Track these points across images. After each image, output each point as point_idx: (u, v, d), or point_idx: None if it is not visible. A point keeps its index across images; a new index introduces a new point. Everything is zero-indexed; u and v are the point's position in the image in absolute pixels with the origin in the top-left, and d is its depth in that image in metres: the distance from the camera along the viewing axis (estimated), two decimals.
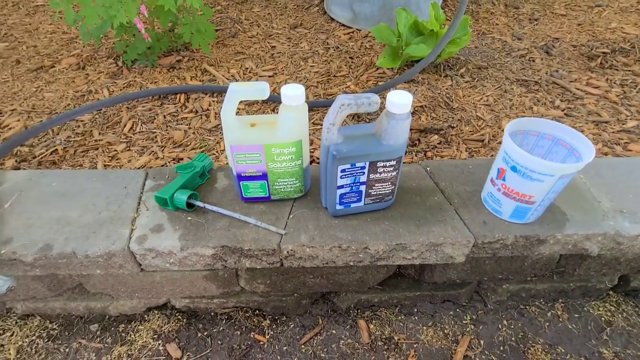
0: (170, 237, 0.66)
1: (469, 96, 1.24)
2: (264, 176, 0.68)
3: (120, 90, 1.25)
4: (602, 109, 1.17)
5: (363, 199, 0.68)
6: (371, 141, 0.61)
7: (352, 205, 0.69)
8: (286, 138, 0.63)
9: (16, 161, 0.96)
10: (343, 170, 0.62)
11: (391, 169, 0.64)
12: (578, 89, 1.26)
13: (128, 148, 1.00)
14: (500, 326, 0.83)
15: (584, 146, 0.62)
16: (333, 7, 1.74)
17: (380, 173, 0.64)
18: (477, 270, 0.79)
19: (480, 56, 1.51)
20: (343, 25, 1.73)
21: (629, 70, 1.38)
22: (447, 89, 1.27)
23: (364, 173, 0.63)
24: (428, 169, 0.83)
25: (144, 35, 1.25)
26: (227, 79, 1.31)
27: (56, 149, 0.99)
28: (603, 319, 0.84)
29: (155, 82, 1.29)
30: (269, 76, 1.35)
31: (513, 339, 0.80)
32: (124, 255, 0.65)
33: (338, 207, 0.68)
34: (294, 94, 0.59)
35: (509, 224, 0.69)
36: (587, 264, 0.79)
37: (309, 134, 0.90)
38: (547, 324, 0.83)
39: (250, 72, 1.37)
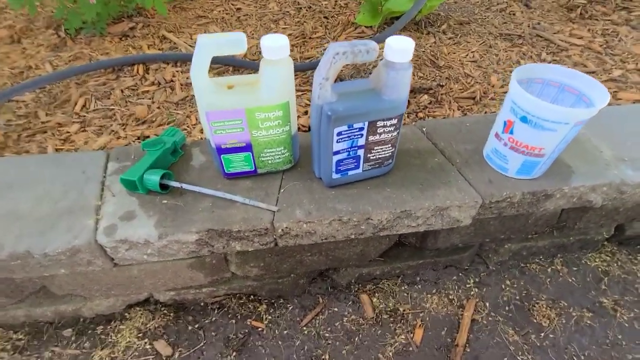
0: (144, 225, 0.57)
1: (454, 53, 1.18)
2: (248, 147, 0.59)
3: (66, 64, 1.09)
4: (587, 60, 1.14)
5: (361, 164, 0.61)
6: (369, 97, 0.54)
7: (350, 172, 0.62)
8: (271, 100, 0.54)
9: None
10: (339, 133, 0.54)
11: (392, 128, 0.57)
12: (562, 41, 1.23)
13: (83, 129, 0.87)
14: (503, 286, 0.81)
15: (595, 90, 0.58)
16: None
17: (380, 134, 0.57)
18: (481, 232, 0.76)
19: (461, 11, 1.44)
20: None
21: (609, 20, 1.36)
22: (430, 46, 1.20)
23: (362, 135, 0.56)
24: (424, 129, 0.77)
25: (91, 1, 1.07)
26: (190, 46, 1.17)
27: None
28: (600, 269, 0.84)
29: (107, 53, 1.13)
30: None
31: (517, 297, 0.79)
32: (92, 249, 0.56)
33: (334, 175, 0.61)
34: (277, 44, 0.50)
35: (515, 181, 0.65)
36: (587, 216, 0.77)
37: None
38: (549, 279, 0.82)
39: None
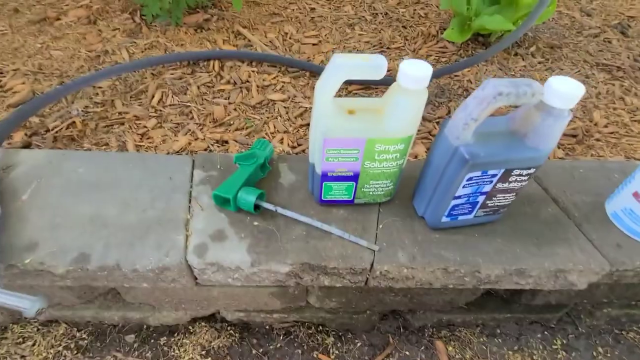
0: (236, 249, 0.53)
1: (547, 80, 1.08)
2: (354, 177, 0.54)
3: (142, 52, 1.07)
4: None
5: (476, 210, 0.55)
6: (512, 142, 0.47)
7: (460, 217, 0.56)
8: (397, 132, 0.48)
9: (26, 134, 0.80)
10: (470, 179, 0.48)
11: (526, 177, 0.50)
12: None
13: (160, 124, 0.84)
14: (594, 353, 0.73)
15: None
16: None
17: (511, 182, 0.50)
18: (584, 294, 0.67)
19: (549, 33, 1.33)
20: None
21: None
22: (521, 70, 1.11)
23: (491, 182, 0.49)
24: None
25: None
26: (265, 45, 1.13)
27: (74, 122, 0.83)
28: None
29: (182, 44, 1.11)
30: (313, 44, 1.16)
31: None
32: (180, 269, 0.52)
33: (444, 219, 0.55)
34: (419, 74, 0.44)
35: None
36: None
37: None
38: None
39: (290, 38, 1.18)
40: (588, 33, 1.35)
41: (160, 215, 0.56)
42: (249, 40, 1.14)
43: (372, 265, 0.53)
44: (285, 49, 1.13)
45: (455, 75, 1.06)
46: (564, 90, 0.42)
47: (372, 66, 0.43)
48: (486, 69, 1.09)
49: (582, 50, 1.24)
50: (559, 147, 0.84)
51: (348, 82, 0.99)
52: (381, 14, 1.34)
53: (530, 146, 0.46)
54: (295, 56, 1.10)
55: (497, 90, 0.41)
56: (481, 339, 0.73)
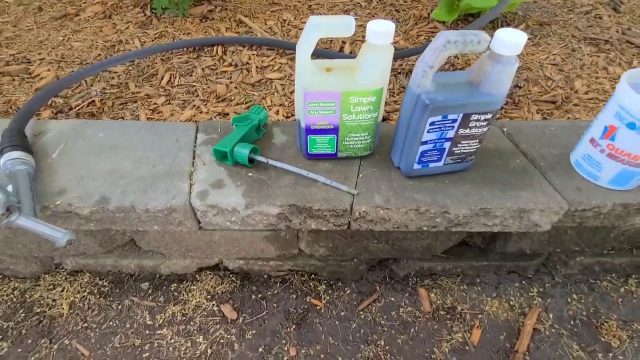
0: (233, 194, 0.61)
1: (534, 54, 1.12)
2: (335, 130, 0.61)
3: (152, 41, 1.17)
4: None
5: (444, 157, 0.61)
6: (468, 89, 0.54)
7: (431, 164, 0.62)
8: (368, 85, 0.55)
9: (52, 112, 0.90)
10: (432, 123, 0.55)
11: (484, 123, 0.56)
12: None
13: (168, 101, 0.94)
14: (569, 300, 0.78)
15: None
16: None
17: (472, 128, 0.57)
18: (555, 241, 0.73)
19: (540, 12, 1.37)
20: None
21: None
22: None
23: (453, 127, 0.56)
24: (505, 129, 0.75)
25: None
26: (265, 31, 1.21)
27: (93, 101, 0.93)
28: None
29: (188, 33, 1.20)
30: None
31: (584, 313, 0.76)
32: (185, 210, 0.60)
33: (416, 166, 0.62)
34: (383, 30, 0.51)
35: (606, 191, 0.62)
36: None
37: None
38: (621, 299, 0.78)
39: (289, 25, 1.26)
40: (579, 10, 1.38)
41: (168, 169, 0.65)
42: (250, 28, 1.23)
43: (351, 206, 0.61)
44: (284, 35, 1.21)
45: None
46: (509, 39, 0.49)
47: (343, 24, 0.51)
48: None
49: (571, 26, 1.27)
50: (537, 112, 0.90)
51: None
52: None
53: (484, 92, 0.53)
54: (293, 41, 1.18)
55: (446, 39, 0.47)
56: (461, 287, 0.79)
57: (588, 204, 0.61)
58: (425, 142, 0.58)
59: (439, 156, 0.61)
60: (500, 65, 0.50)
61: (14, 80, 1.02)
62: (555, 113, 0.90)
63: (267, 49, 1.13)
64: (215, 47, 1.12)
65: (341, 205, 0.60)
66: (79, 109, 0.91)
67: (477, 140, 0.59)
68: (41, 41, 1.17)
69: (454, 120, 0.55)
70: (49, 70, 1.05)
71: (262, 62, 1.08)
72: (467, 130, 0.57)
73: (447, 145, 0.59)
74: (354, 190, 0.62)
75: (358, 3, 1.38)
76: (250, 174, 0.65)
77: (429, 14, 1.30)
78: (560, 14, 1.35)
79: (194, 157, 0.68)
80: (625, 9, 1.39)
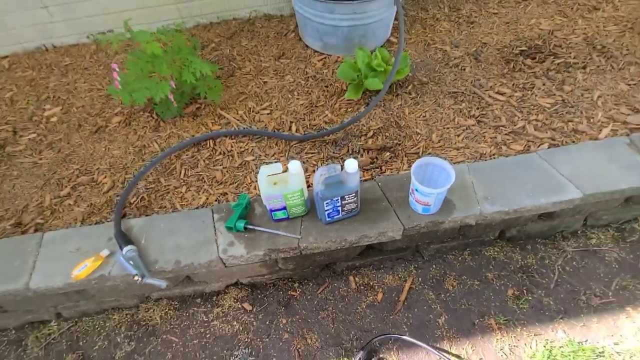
0: (239, 248, 1.22)
1: (413, 113, 1.73)
2: (284, 208, 1.23)
3: (165, 141, 1.75)
4: (504, 114, 1.67)
5: (340, 213, 1.23)
6: (339, 185, 1.15)
7: (335, 217, 1.24)
8: (294, 188, 1.17)
9: None
10: (327, 202, 1.16)
11: (353, 196, 1.18)
12: (490, 97, 1.75)
13: (188, 189, 1.53)
14: (431, 269, 1.42)
15: (450, 171, 1.16)
16: (306, 37, 2.16)
17: (347, 200, 1.18)
18: (412, 240, 1.36)
19: (425, 70, 1.97)
20: (316, 51, 2.15)
21: (532, 72, 1.85)
22: (397, 108, 1.76)
23: (338, 201, 1.18)
24: (380, 184, 1.37)
25: (173, 103, 1.71)
26: (237, 120, 1.80)
27: (143, 196, 1.52)
28: (491, 256, 1.43)
29: (187, 131, 1.78)
30: (267, 113, 1.83)
31: (438, 275, 1.40)
32: (217, 260, 1.22)
33: (327, 219, 1.24)
34: (296, 168, 1.12)
35: (421, 216, 1.25)
36: (475, 228, 1.35)
37: (304, 162, 1.43)
38: (458, 264, 1.42)
39: (253, 112, 1.84)
40: (453, 64, 1.98)
41: (204, 240, 1.26)
42: (227, 119, 1.82)
43: (298, 244, 1.23)
44: (251, 120, 1.80)
45: (356, 123, 1.71)
46: (349, 166, 1.10)
47: (275, 168, 1.12)
48: (375, 112, 1.75)
49: (442, 81, 1.88)
50: (407, 162, 1.51)
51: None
52: (311, 77, 2.00)
53: (346, 186, 1.14)
54: (257, 125, 1.77)
55: (320, 173, 1.09)
56: (372, 272, 1.43)
57: (413, 224, 1.23)
58: (327, 209, 1.19)
59: (337, 213, 1.23)
60: (349, 176, 1.12)
61: (86, 188, 1.60)
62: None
63: (242, 137, 1.72)
64: (208, 141, 1.71)
65: (293, 244, 1.22)
66: (136, 204, 1.50)
67: (353, 203, 1.21)
68: (91, 154, 1.75)
69: (337, 199, 1.17)
70: (105, 177, 1.63)
71: (240, 147, 1.68)
72: (346, 201, 1.19)
73: (339, 208, 1.21)
74: (299, 235, 1.24)
75: (299, 82, 1.97)
76: (246, 235, 1.26)
77: (346, 88, 1.89)
78: (438, 70, 1.96)
79: (215, 230, 1.29)
80: (483, 58, 1.99)
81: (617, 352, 1.16)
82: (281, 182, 1.17)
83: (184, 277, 1.34)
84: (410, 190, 1.22)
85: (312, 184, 1.19)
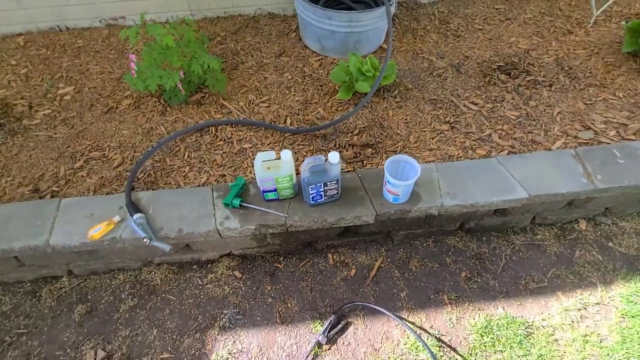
0: (234, 221, 1.42)
1: (396, 115, 1.94)
2: (275, 190, 1.43)
3: (171, 125, 1.93)
4: (474, 122, 1.89)
5: (323, 197, 1.44)
6: (323, 174, 1.36)
7: (319, 200, 1.45)
8: (285, 174, 1.37)
9: None
10: (311, 187, 1.37)
11: (335, 184, 1.39)
12: (465, 106, 1.97)
13: (191, 169, 1.72)
14: (399, 251, 1.64)
15: (417, 168, 1.37)
16: (306, 39, 2.35)
17: (329, 187, 1.39)
18: (383, 225, 1.58)
19: (411, 77, 2.18)
20: (315, 52, 2.34)
21: (504, 87, 2.07)
22: (382, 110, 1.97)
23: (321, 186, 1.38)
24: (359, 175, 1.58)
25: (182, 91, 1.89)
26: (238, 110, 1.98)
27: (150, 173, 1.71)
28: (451, 244, 1.65)
29: (191, 117, 1.96)
30: (266, 106, 2.02)
31: (404, 258, 1.62)
32: (214, 231, 1.42)
33: (311, 202, 1.44)
34: (286, 157, 1.32)
35: (392, 204, 1.46)
36: (438, 218, 1.58)
37: (296, 152, 1.63)
38: (423, 249, 1.64)
39: (252, 104, 2.03)
40: (436, 73, 2.19)
41: (204, 213, 1.46)
42: (229, 109, 2.00)
43: (285, 221, 1.43)
44: (250, 112, 1.99)
45: (345, 121, 1.92)
46: (332, 158, 1.30)
47: (271, 155, 1.31)
48: (362, 112, 1.95)
49: (425, 89, 2.09)
50: (386, 159, 1.72)
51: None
52: (308, 76, 2.19)
53: (329, 175, 1.35)
54: (256, 116, 1.96)
55: (307, 162, 1.29)
56: (348, 251, 1.64)
57: (384, 210, 1.45)
58: (312, 193, 1.40)
59: (320, 197, 1.43)
60: (332, 166, 1.32)
61: (97, 162, 1.78)
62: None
63: (241, 126, 1.91)
64: (210, 128, 1.90)
65: (281, 221, 1.43)
66: (144, 179, 1.68)
67: (335, 189, 1.42)
68: (103, 132, 1.91)
69: (320, 185, 1.37)
70: (116, 153, 1.81)
71: (239, 136, 1.86)
72: (328, 187, 1.39)
73: (322, 192, 1.41)
74: (286, 214, 1.44)
75: (297, 80, 2.16)
76: (240, 212, 1.46)
77: (339, 89, 2.09)
78: (423, 78, 2.16)
79: (214, 206, 1.48)
80: (464, 70, 2.20)
81: (543, 326, 1.39)
82: (274, 167, 1.37)
83: (184, 244, 1.53)
84: (384, 182, 1.44)
85: (300, 171, 1.38)
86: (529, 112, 1.92)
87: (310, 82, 2.14)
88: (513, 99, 1.99)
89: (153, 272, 1.59)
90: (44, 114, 2.01)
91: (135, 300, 1.51)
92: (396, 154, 1.75)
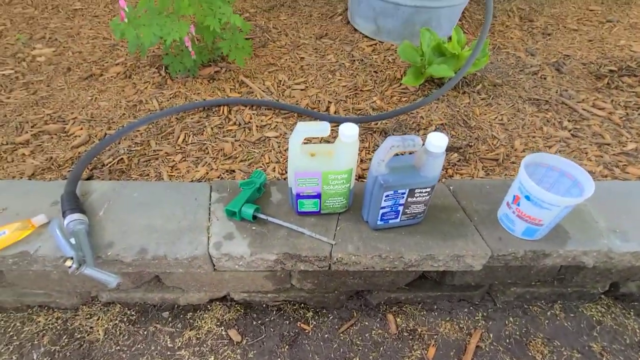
0: (241, 244, 0.81)
1: (485, 114, 1.36)
2: (318, 196, 0.82)
3: (168, 100, 1.38)
4: (606, 131, 1.29)
5: (400, 216, 0.82)
6: (411, 172, 0.75)
7: (390, 221, 0.83)
8: (341, 167, 0.77)
9: (88, 169, 1.10)
10: (387, 195, 0.76)
11: (426, 194, 0.77)
12: (585, 110, 1.38)
13: (184, 159, 1.14)
14: (506, 322, 0.98)
15: (586, 180, 0.75)
16: (357, 19, 1.84)
17: (417, 197, 0.78)
18: (490, 276, 0.93)
19: (496, 72, 1.62)
20: (366, 36, 1.83)
21: (633, 92, 1.49)
22: (465, 106, 1.39)
23: (403, 197, 0.77)
24: (451, 187, 0.96)
25: (191, 53, 1.36)
26: (263, 91, 1.43)
27: (122, 158, 1.13)
28: (594, 318, 0.99)
29: (198, 93, 1.42)
30: (301, 89, 1.46)
31: (517, 333, 0.96)
32: (205, 258, 0.80)
33: (379, 222, 0.82)
34: (351, 133, 0.72)
35: (519, 240, 0.83)
36: (583, 272, 0.93)
37: None
38: (547, 321, 0.98)
39: (283, 85, 1.48)
40: (529, 71, 1.64)
41: (190, 224, 0.85)
42: (251, 88, 1.45)
43: (330, 253, 0.81)
44: (279, 94, 1.43)
45: (411, 113, 1.34)
46: (435, 142, 0.70)
47: (319, 129, 0.72)
48: (437, 106, 1.38)
49: (519, 87, 1.52)
50: (482, 169, 1.12)
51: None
52: (358, 60, 1.65)
53: (422, 175, 0.74)
54: (286, 100, 1.40)
55: (391, 144, 0.69)
56: (422, 313, 0.99)
57: (506, 250, 0.82)
58: (384, 207, 0.78)
59: (395, 215, 0.82)
60: (431, 158, 0.72)
61: (52, 138, 1.22)
62: (496, 169, 1.12)
63: (265, 109, 1.35)
64: (222, 107, 1.34)
65: (323, 252, 0.80)
66: (110, 166, 1.10)
67: (423, 205, 0.80)
68: (72, 101, 1.37)
69: (403, 193, 0.76)
70: (81, 129, 1.25)
71: (261, 121, 1.30)
72: (414, 199, 0.78)
73: (400, 208, 0.80)
74: (332, 240, 0.82)
75: (343, 64, 1.62)
76: (253, 228, 0.84)
77: (402, 75, 1.54)
78: (512, 75, 1.61)
79: (209, 214, 0.87)
80: (567, 70, 1.64)
81: None
82: (323, 153, 0.78)
83: (151, 276, 0.91)
84: (509, 199, 0.82)
85: (370, 164, 0.78)
86: None
87: (362, 68, 1.60)
88: None
89: (95, 317, 0.95)
90: (2, 74, 1.49)
91: None
92: (498, 163, 1.14)
